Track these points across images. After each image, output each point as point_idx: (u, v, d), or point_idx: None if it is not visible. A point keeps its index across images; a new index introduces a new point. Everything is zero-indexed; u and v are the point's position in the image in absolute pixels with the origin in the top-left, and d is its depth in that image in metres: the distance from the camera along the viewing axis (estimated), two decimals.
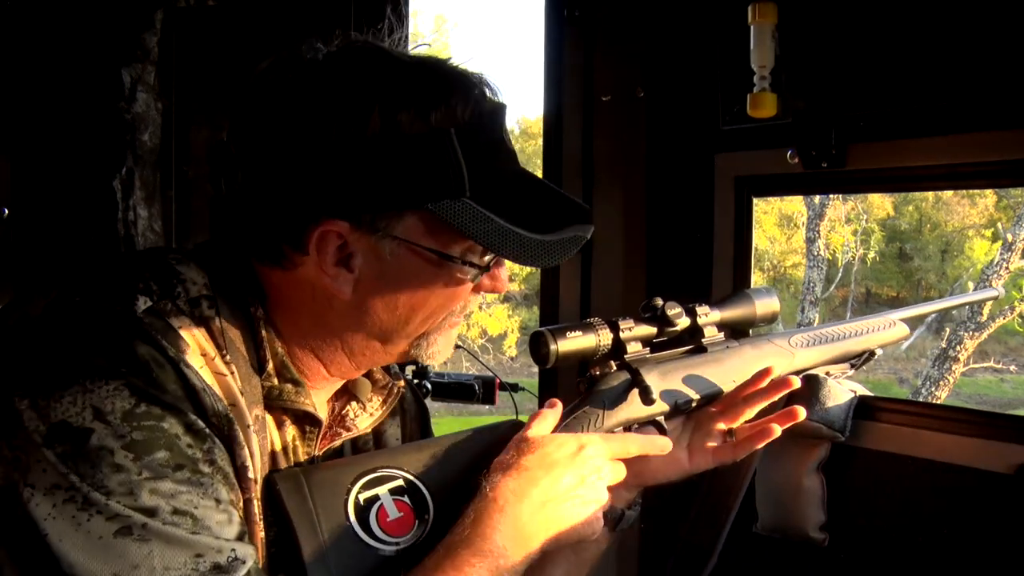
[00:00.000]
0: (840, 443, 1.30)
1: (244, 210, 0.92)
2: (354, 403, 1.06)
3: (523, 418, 1.10)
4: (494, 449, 1.01)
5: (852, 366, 1.32)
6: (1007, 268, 9.05)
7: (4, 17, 1.99)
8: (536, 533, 0.94)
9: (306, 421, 0.97)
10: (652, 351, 1.13)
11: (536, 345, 1.06)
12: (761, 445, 1.12)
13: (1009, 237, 9.16)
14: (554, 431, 1.05)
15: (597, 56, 1.67)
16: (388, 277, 0.91)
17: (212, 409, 0.84)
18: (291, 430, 0.97)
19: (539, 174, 1.22)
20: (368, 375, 1.07)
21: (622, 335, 1.09)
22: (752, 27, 1.35)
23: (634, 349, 1.10)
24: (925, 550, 1.26)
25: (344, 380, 1.03)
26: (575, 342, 1.05)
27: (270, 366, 0.93)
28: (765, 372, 1.13)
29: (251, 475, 0.88)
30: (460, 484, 0.98)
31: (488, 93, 0.91)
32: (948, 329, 10.22)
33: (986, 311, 9.40)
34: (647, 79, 1.64)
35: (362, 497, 0.93)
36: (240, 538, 0.82)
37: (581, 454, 1.00)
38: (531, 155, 16.49)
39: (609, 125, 1.68)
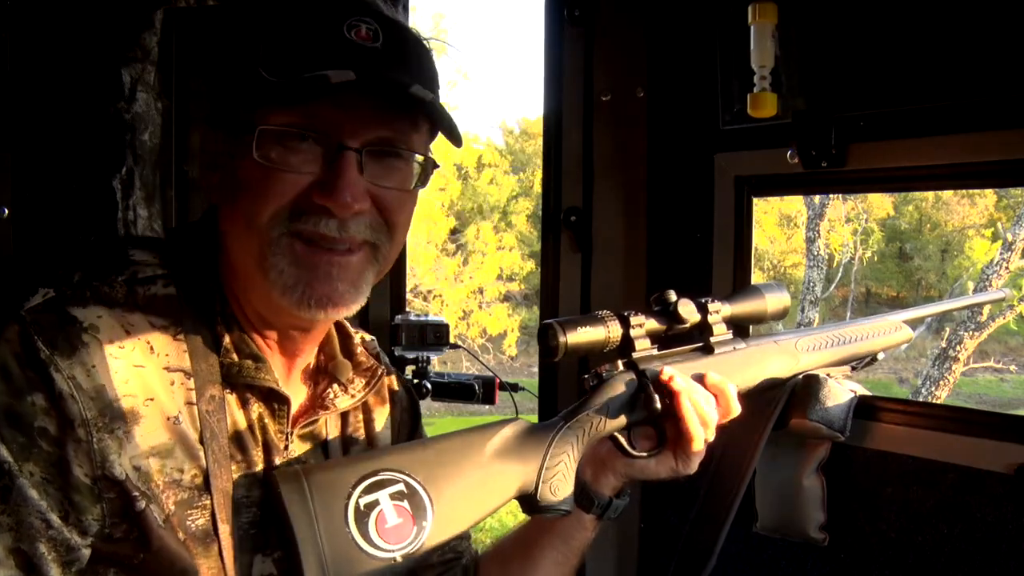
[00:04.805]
0: (840, 443, 1.30)
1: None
2: (335, 385, 1.04)
3: (524, 417, 1.10)
4: (495, 449, 1.00)
5: (852, 367, 1.32)
6: (1007, 268, 9.04)
7: (4, 17, 1.99)
8: None
9: (273, 399, 0.95)
10: (659, 346, 1.12)
11: (544, 337, 1.04)
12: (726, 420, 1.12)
13: (1009, 237, 9.15)
14: (556, 431, 1.04)
15: (597, 56, 1.67)
16: (219, 166, 0.92)
17: (79, 417, 0.81)
18: (257, 408, 0.95)
19: (539, 174, 1.21)
20: (351, 358, 1.06)
21: (632, 332, 1.08)
22: (752, 27, 1.35)
23: (642, 346, 1.09)
24: (925, 550, 1.26)
25: (309, 353, 1.02)
26: (584, 334, 1.04)
27: (226, 341, 0.91)
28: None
29: (148, 481, 0.84)
30: (462, 488, 0.97)
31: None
32: (948, 329, 10.21)
33: (986, 311, 9.39)
34: (647, 79, 1.64)
35: (363, 502, 0.92)
36: None
37: None
38: (531, 155, 16.52)
39: (609, 125, 1.68)
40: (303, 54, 0.87)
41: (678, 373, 1.08)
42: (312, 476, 0.92)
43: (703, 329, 1.15)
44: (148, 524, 0.84)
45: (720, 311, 1.15)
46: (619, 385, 1.08)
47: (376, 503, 0.92)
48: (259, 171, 0.87)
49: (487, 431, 1.03)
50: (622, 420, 1.08)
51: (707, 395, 1.10)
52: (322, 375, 1.05)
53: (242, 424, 0.93)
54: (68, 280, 0.85)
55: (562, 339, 1.02)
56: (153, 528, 0.85)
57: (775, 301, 1.19)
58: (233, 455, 0.91)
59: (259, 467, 0.94)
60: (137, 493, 0.84)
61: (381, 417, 1.12)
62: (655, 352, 1.11)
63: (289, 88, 0.85)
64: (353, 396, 1.05)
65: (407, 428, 1.17)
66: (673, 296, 1.12)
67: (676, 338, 1.14)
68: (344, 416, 1.07)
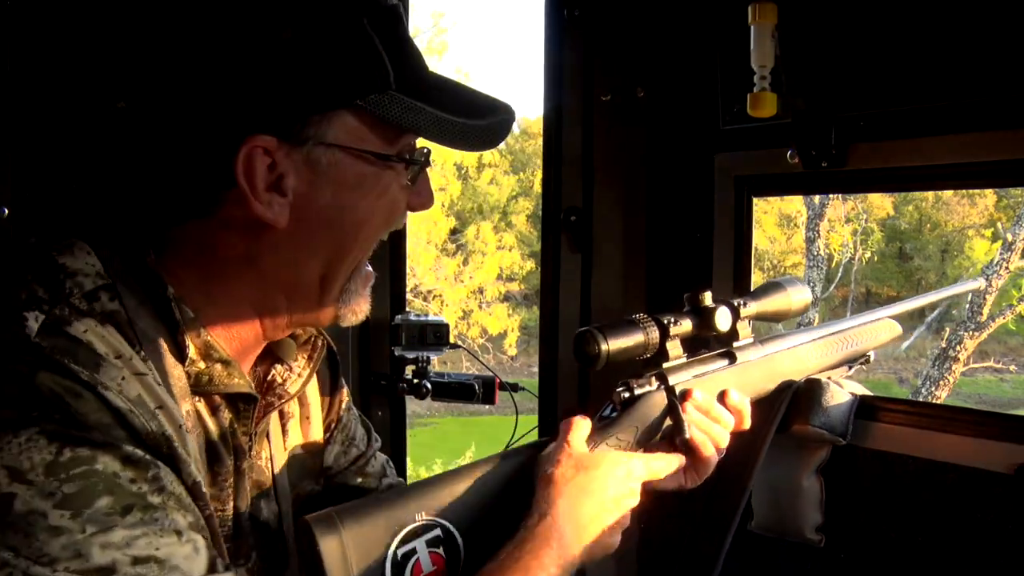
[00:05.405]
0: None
1: (149, 161, 0.82)
2: (278, 366, 0.97)
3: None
4: (524, 478, 0.98)
5: (850, 368, 1.32)
6: (1007, 268, 9.05)
7: (4, 17, 1.99)
8: (578, 554, 0.93)
9: (240, 399, 0.88)
10: (686, 348, 1.10)
11: (583, 345, 0.99)
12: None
13: (1009, 237, 9.15)
14: (589, 443, 1.02)
15: (597, 56, 1.67)
16: (328, 192, 0.83)
17: (144, 430, 0.73)
18: (227, 414, 0.87)
19: (539, 174, 1.21)
20: (291, 333, 0.98)
21: (668, 344, 1.05)
22: (752, 27, 1.35)
23: (675, 353, 1.07)
24: (925, 550, 1.26)
25: (268, 342, 0.94)
26: (624, 341, 1.00)
27: (192, 351, 0.82)
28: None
29: (205, 488, 0.79)
30: (490, 526, 0.95)
31: None
32: (948, 329, 10.22)
33: (986, 311, 9.40)
34: (647, 79, 1.64)
35: (400, 552, 0.89)
36: (212, 567, 0.74)
37: (627, 477, 0.98)
38: (531, 155, 16.52)
39: (609, 125, 1.68)
40: (423, 80, 0.85)
41: (705, 397, 1.08)
42: (348, 525, 0.88)
43: (729, 333, 1.13)
44: (212, 531, 0.80)
45: (749, 315, 1.13)
46: (652, 407, 1.04)
47: (413, 552, 0.90)
48: (399, 196, 0.88)
49: (519, 456, 1.00)
50: (648, 441, 1.06)
51: (728, 417, 1.10)
52: (263, 357, 0.96)
53: (215, 433, 0.86)
54: (38, 298, 0.76)
55: (604, 347, 0.97)
56: (215, 535, 0.80)
57: (798, 297, 1.18)
58: (209, 468, 0.85)
59: (231, 478, 0.88)
60: (202, 503, 0.79)
61: (310, 384, 1.04)
62: (684, 360, 1.08)
63: (454, 127, 0.84)
64: (300, 376, 0.98)
65: (328, 382, 1.10)
66: (709, 300, 1.08)
67: (703, 341, 1.13)
68: None
